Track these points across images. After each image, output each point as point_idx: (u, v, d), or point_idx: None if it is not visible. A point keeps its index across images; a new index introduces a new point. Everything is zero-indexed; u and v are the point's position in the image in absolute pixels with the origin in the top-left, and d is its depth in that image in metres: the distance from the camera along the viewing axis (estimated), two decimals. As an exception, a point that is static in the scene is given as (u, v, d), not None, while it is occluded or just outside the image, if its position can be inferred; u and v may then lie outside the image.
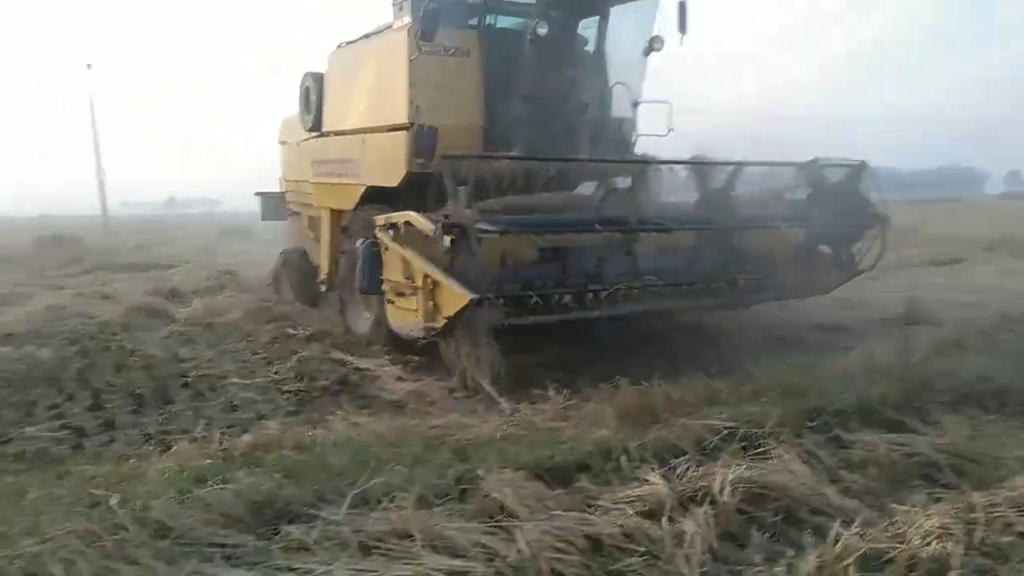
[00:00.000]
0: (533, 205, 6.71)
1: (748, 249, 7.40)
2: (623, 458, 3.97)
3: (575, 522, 3.25)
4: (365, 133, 8.45)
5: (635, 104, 8.62)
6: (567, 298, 6.22)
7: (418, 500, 3.38)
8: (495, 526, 3.21)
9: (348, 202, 8.77)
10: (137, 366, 7.37)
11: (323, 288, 10.04)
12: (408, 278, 6.28)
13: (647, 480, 3.78)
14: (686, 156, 7.72)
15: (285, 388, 6.41)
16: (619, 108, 8.62)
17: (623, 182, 7.92)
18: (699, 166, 7.45)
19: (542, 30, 7.58)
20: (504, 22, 8.28)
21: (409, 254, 6.20)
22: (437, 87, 7.58)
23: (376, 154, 8.16)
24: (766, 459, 4.08)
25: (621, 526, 3.27)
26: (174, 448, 4.35)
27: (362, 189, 8.37)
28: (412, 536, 3.07)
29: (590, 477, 3.81)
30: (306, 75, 10.14)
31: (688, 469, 3.94)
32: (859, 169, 7.78)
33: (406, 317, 6.46)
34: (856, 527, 3.25)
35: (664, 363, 6.69)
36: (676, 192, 7.86)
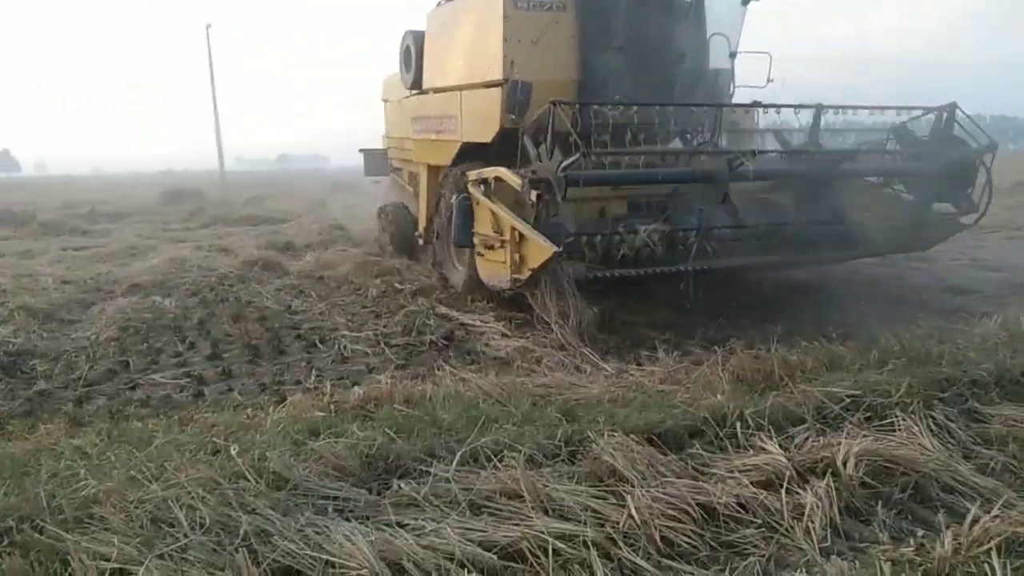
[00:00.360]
0: (623, 160, 6.64)
1: (848, 203, 7.31)
2: (738, 425, 3.81)
3: (688, 489, 3.14)
4: (462, 90, 8.51)
5: (732, 55, 8.37)
6: (658, 250, 6.30)
7: (528, 460, 3.34)
8: (605, 490, 3.14)
9: (445, 158, 8.87)
10: (253, 317, 7.63)
11: (421, 242, 10.29)
12: (497, 231, 6.50)
13: (763, 448, 3.62)
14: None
15: (393, 342, 6.49)
16: (716, 59, 8.38)
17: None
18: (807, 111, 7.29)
19: None
20: None
21: (498, 208, 6.43)
22: (532, 42, 7.57)
23: (472, 110, 8.21)
24: (892, 431, 3.85)
25: (736, 496, 3.13)
26: (288, 400, 4.45)
27: (458, 145, 8.42)
28: (521, 496, 3.03)
29: (703, 443, 3.68)
30: (407, 33, 10.28)
31: (807, 439, 3.77)
32: (951, 112, 7.51)
33: (495, 269, 6.70)
34: (997, 509, 3.01)
35: (780, 326, 6.42)
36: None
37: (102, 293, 9.11)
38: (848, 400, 4.12)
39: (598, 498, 3.09)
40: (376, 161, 12.97)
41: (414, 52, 10.05)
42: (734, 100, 8.46)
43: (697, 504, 3.07)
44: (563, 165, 5.74)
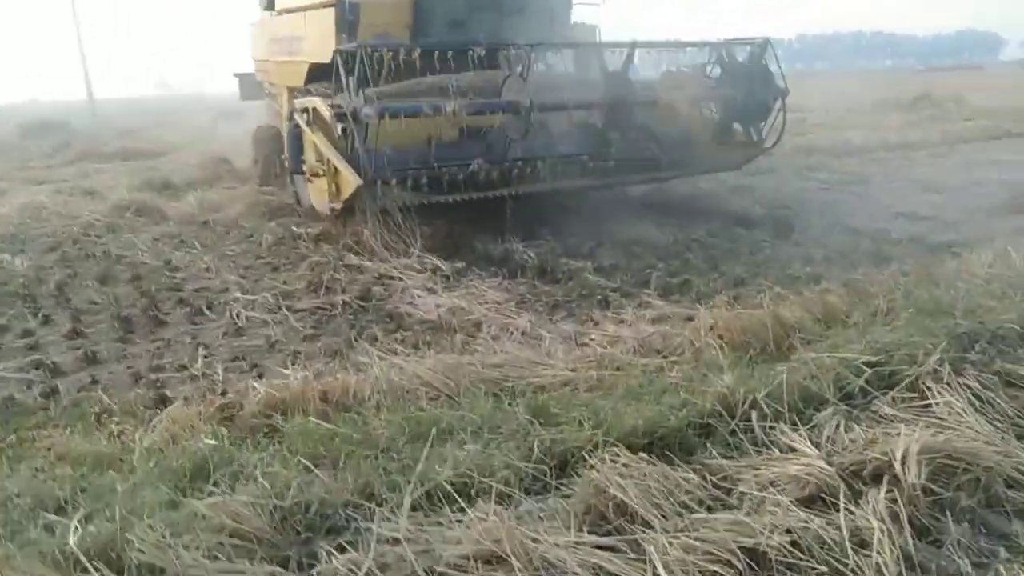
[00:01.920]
0: (443, 86, 6.66)
1: (657, 127, 7.74)
2: (754, 414, 3.02)
3: (725, 527, 2.33)
4: (305, 11, 8.48)
5: None
6: (460, 176, 6.59)
7: (501, 496, 2.45)
8: (618, 538, 2.30)
9: (299, 80, 8.56)
10: (124, 278, 6.41)
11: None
12: (319, 160, 6.83)
13: (792, 446, 2.86)
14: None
15: (298, 306, 5.42)
16: None
17: (555, 59, 8.49)
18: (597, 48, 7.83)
19: None
20: None
21: (317, 139, 6.71)
22: None
23: (312, 31, 8.22)
24: (929, 409, 3.15)
25: (788, 531, 2.34)
26: (166, 411, 3.34)
27: (307, 66, 8.21)
28: (505, 561, 2.15)
29: (717, 444, 2.87)
30: None
31: (838, 427, 3.02)
32: (763, 47, 7.89)
33: (320, 196, 7.11)
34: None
35: (741, 267, 5.72)
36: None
37: (-66, 252, 7.61)
38: (869, 370, 3.38)
39: (608, 550, 2.24)
40: (251, 85, 12.12)
41: None
42: (572, 18, 8.94)
43: (740, 548, 2.27)
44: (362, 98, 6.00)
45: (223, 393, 3.65)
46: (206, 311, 5.46)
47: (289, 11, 9.24)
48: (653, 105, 7.74)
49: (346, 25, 7.52)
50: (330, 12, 7.62)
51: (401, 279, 6.01)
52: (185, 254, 7.18)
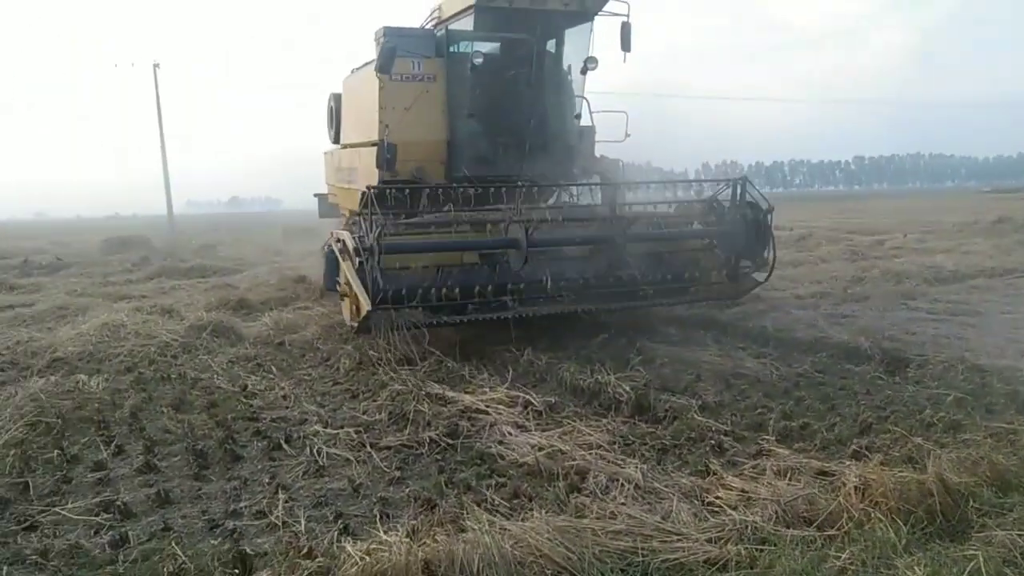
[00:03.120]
0: (461, 220, 7.99)
1: (659, 258, 8.47)
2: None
3: None
4: (359, 147, 10.06)
5: (577, 116, 9.85)
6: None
7: None
8: None
9: (355, 205, 9.89)
10: (199, 404, 6.16)
11: None
12: (346, 283, 7.74)
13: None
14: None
15: (382, 443, 5.05)
16: (569, 120, 9.84)
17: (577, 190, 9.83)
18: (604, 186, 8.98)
19: (478, 60, 8.96)
20: (477, 44, 9.42)
21: (345, 266, 7.59)
22: (405, 109, 9.09)
23: (363, 165, 9.60)
24: None
25: None
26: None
27: (359, 194, 9.36)
28: None
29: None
30: (331, 95, 12.11)
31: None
32: (742, 183, 8.51)
33: (347, 312, 8.07)
34: None
35: (869, 412, 5.19)
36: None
37: (16, 370, 7.56)
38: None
39: None
40: (327, 205, 13.30)
41: (335, 111, 11.89)
42: (597, 153, 10.12)
43: None
44: (375, 235, 6.99)
45: (309, 553, 3.24)
46: (284, 445, 5.12)
47: (348, 146, 10.99)
48: (651, 239, 8.56)
49: (384, 161, 8.85)
50: (373, 149, 9.11)
51: (488, 412, 5.61)
52: (261, 378, 6.95)
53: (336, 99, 11.90)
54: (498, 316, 7.61)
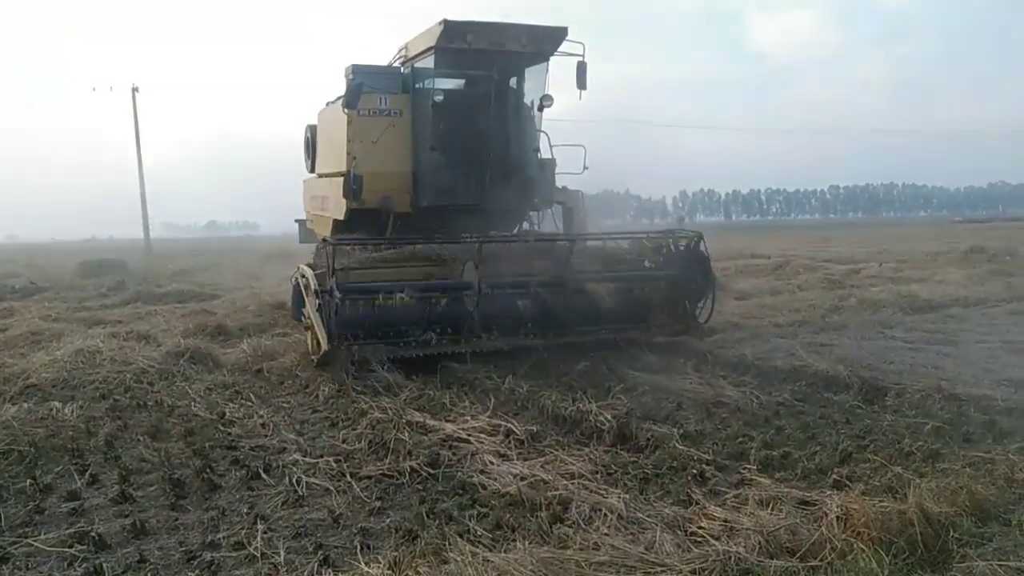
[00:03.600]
0: (417, 254, 8.82)
1: (606, 298, 8.97)
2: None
3: None
4: (331, 176, 10.47)
5: (536, 150, 10.32)
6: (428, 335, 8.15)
7: None
8: None
9: (327, 231, 10.55)
10: (176, 432, 6.08)
11: None
12: (308, 317, 8.40)
13: None
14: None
15: (362, 472, 5.00)
16: (528, 153, 10.29)
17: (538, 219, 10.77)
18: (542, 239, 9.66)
19: (438, 98, 9.61)
20: (440, 82, 9.94)
21: (308, 301, 8.30)
22: (372, 142, 9.56)
23: (334, 194, 10.02)
24: None
25: None
26: None
27: (331, 221, 10.10)
28: None
29: None
30: (307, 126, 12.63)
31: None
32: (699, 238, 9.21)
33: (311, 345, 8.61)
34: None
35: (848, 441, 5.23)
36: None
37: (-13, 396, 7.39)
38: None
39: None
40: (307, 231, 13.55)
41: (311, 142, 12.45)
42: (557, 183, 10.70)
43: None
44: (333, 282, 7.64)
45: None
46: (263, 474, 5.05)
47: (322, 175, 11.50)
48: (600, 281, 9.08)
49: (351, 191, 9.37)
50: (340, 180, 9.65)
51: (470, 441, 5.58)
52: (239, 406, 6.87)
53: (312, 130, 12.43)
54: (454, 351, 8.13)
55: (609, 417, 5.83)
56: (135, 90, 39.20)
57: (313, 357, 8.25)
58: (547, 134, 10.43)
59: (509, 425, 5.80)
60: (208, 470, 5.11)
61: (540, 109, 10.18)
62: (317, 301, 7.79)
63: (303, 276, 8.39)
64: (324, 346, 7.70)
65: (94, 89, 55.17)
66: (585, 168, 10.37)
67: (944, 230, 47.19)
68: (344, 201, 9.51)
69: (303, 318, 8.83)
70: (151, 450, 5.61)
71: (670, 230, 9.80)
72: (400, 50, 10.36)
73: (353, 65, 9.96)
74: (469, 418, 6.12)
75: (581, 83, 9.87)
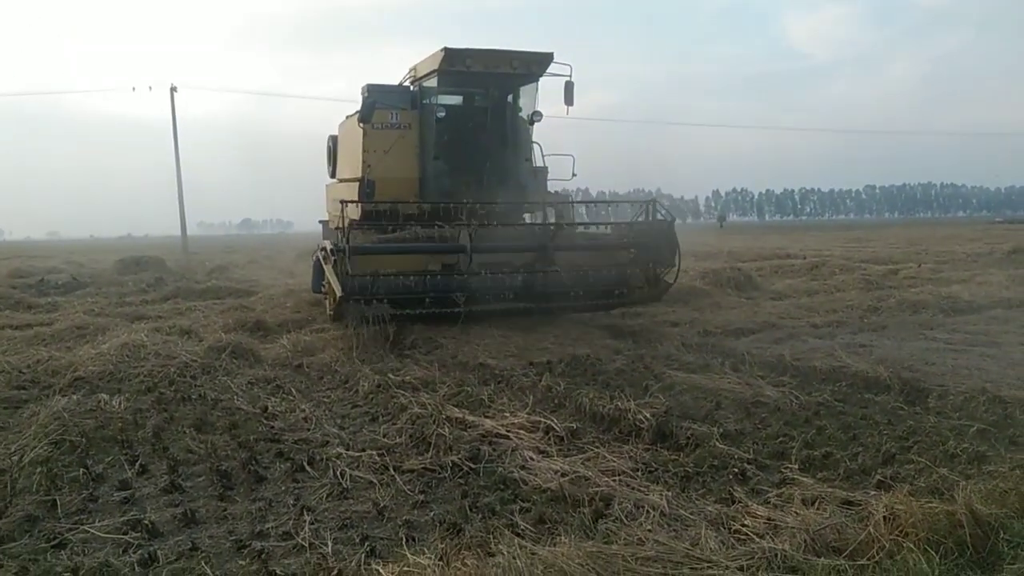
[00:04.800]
0: (420, 236, 10.19)
1: (577, 266, 10.40)
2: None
3: None
4: (349, 182, 12.12)
5: (527, 160, 12.01)
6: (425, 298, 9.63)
7: None
8: None
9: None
10: (221, 425, 6.19)
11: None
12: (326, 282, 9.98)
13: None
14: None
15: (405, 466, 5.07)
16: (521, 162, 11.98)
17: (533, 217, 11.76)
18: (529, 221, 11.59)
19: (440, 114, 11.55)
20: (443, 99, 11.84)
21: (327, 268, 9.61)
22: (384, 152, 11.29)
23: (351, 197, 11.06)
24: None
25: None
26: None
27: (348, 221, 10.85)
28: None
29: None
30: (329, 136, 14.30)
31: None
32: (653, 204, 10.86)
33: (329, 307, 10.63)
34: None
35: (886, 435, 5.17)
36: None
37: (38, 388, 7.61)
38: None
39: None
40: (330, 230, 13.99)
41: (332, 150, 14.10)
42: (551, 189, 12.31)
43: None
44: (345, 240, 9.32)
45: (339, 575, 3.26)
46: (307, 467, 5.14)
47: (341, 180, 13.23)
48: (578, 248, 10.81)
49: (364, 195, 11.08)
50: (356, 184, 11.43)
51: (509, 437, 5.63)
52: (281, 400, 6.99)
53: (333, 140, 14.11)
54: (451, 310, 9.52)
55: (648, 415, 5.82)
56: (173, 90, 39.83)
57: (330, 313, 10.44)
58: (540, 145, 12.11)
59: (548, 422, 5.83)
60: (253, 462, 5.20)
61: (531, 123, 11.93)
62: (333, 259, 9.15)
63: (322, 249, 9.81)
64: (338, 295, 9.22)
65: (134, 89, 56.27)
66: (573, 175, 12.06)
67: (984, 231, 46.30)
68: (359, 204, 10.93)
69: (323, 287, 10.47)
70: (197, 442, 5.72)
71: (651, 199, 11.25)
72: (410, 70, 11.92)
73: (368, 85, 11.52)
74: (508, 414, 6.15)
75: (568, 100, 11.45)
